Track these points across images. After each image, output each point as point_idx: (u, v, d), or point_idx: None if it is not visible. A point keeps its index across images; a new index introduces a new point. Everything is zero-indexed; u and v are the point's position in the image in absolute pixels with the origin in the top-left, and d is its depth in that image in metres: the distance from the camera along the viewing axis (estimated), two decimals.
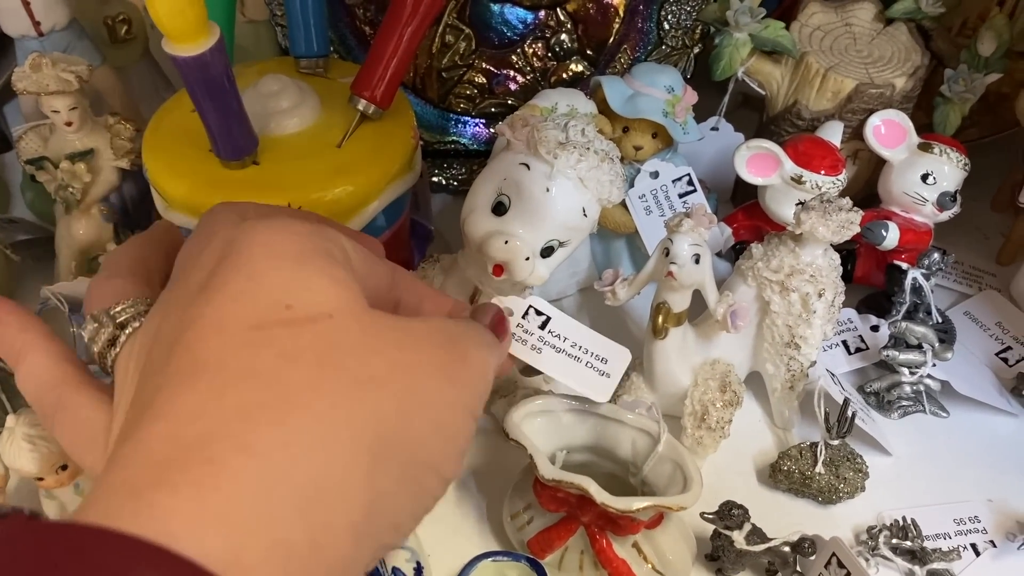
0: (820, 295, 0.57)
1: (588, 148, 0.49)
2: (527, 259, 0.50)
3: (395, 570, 0.49)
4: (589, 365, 0.53)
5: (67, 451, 0.30)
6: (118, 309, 0.31)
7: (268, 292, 0.26)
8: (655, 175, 0.68)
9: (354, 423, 0.24)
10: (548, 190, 0.50)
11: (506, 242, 0.50)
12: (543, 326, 0.54)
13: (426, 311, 0.34)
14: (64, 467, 0.50)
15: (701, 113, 0.77)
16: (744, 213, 0.73)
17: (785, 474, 0.57)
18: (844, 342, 0.67)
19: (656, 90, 0.65)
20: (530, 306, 0.53)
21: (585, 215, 0.51)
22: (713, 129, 0.77)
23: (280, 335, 0.25)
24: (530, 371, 0.57)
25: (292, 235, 0.27)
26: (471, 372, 0.29)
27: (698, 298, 0.57)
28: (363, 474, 0.24)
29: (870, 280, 0.72)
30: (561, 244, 0.52)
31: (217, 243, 0.28)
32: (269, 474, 0.22)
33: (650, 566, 0.49)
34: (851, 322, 0.69)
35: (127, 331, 0.30)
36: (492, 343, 0.33)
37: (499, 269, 0.51)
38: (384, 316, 0.28)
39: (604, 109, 0.66)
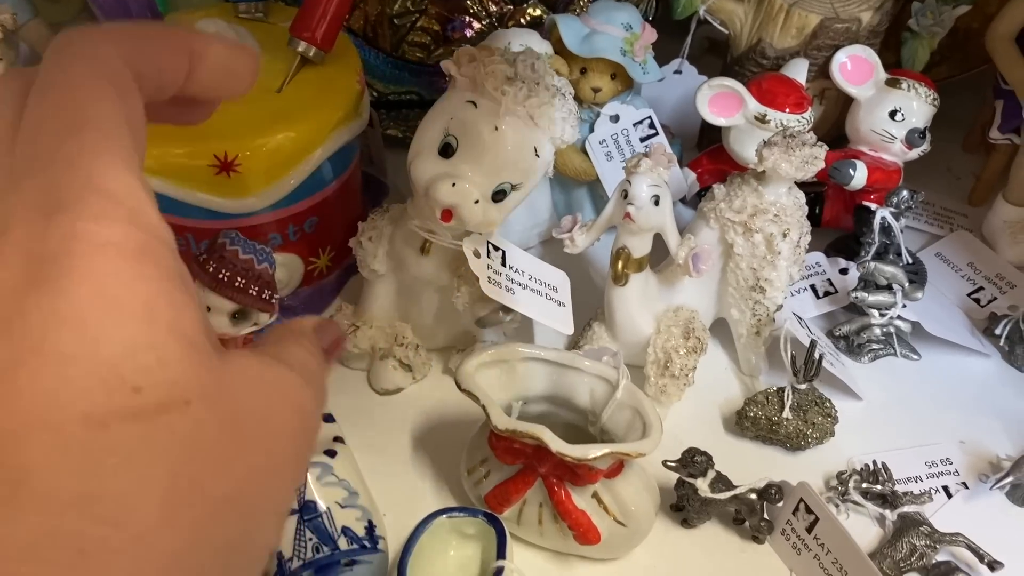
0: (785, 235, 0.55)
1: (538, 83, 0.47)
2: (476, 202, 0.48)
3: (345, 529, 0.47)
4: (549, 298, 0.53)
5: None
6: None
7: (109, 363, 0.20)
8: (615, 119, 0.66)
9: (204, 555, 0.21)
10: (496, 128, 0.47)
11: (453, 184, 0.47)
12: (503, 262, 0.53)
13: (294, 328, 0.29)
14: None
15: (665, 57, 0.74)
16: (708, 157, 0.71)
17: (752, 420, 0.55)
18: (812, 286, 0.66)
19: (613, 27, 0.62)
20: (488, 242, 0.51)
21: (537, 155, 0.49)
22: (676, 72, 0.75)
23: (127, 436, 0.20)
24: (485, 321, 0.55)
25: (136, 263, 0.21)
26: (310, 443, 0.25)
27: (661, 244, 0.55)
28: None
29: (839, 223, 0.70)
30: (514, 187, 0.50)
31: (17, 238, 0.20)
32: None
33: (611, 517, 0.47)
34: (819, 266, 0.67)
35: None
36: (320, 387, 0.27)
37: (447, 214, 0.48)
38: (234, 391, 0.22)
39: (561, 50, 0.63)
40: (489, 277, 0.51)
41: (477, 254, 0.51)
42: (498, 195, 0.49)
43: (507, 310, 0.55)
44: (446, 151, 0.49)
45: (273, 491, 0.23)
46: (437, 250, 0.54)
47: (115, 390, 0.20)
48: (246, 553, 0.22)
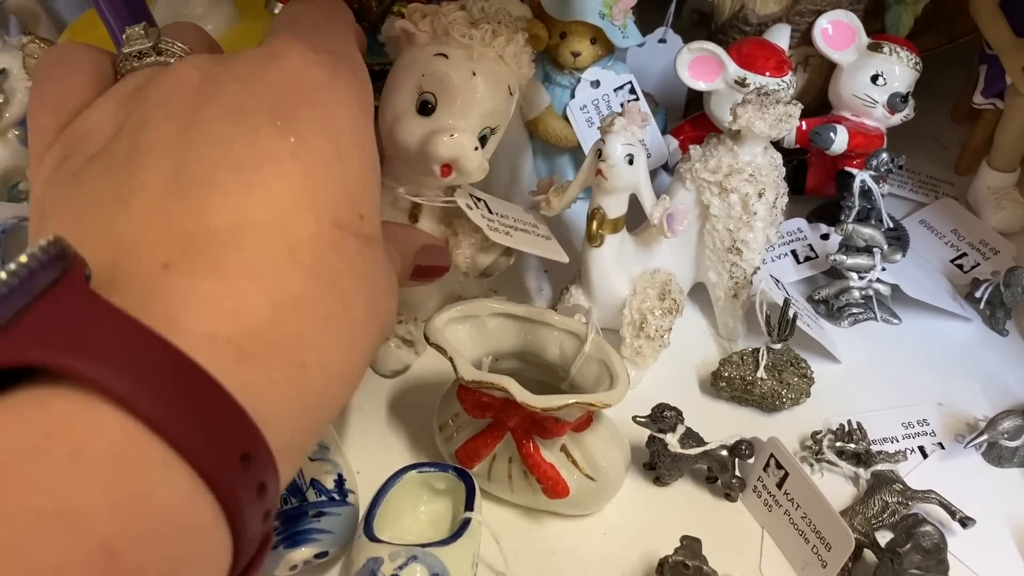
0: (760, 195, 0.55)
1: (500, 22, 0.47)
2: (476, 149, 0.48)
3: (314, 481, 0.47)
4: (537, 234, 0.55)
5: (32, 103, 0.29)
6: (169, 37, 0.30)
7: (352, 188, 0.27)
8: (596, 84, 0.66)
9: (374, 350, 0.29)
10: (474, 74, 0.48)
11: (452, 136, 0.47)
12: (490, 210, 0.53)
13: (401, 237, 0.37)
14: None
15: (650, 27, 0.74)
16: (691, 125, 0.71)
17: (727, 381, 0.55)
18: (793, 251, 0.65)
19: None
20: (470, 195, 0.52)
21: (511, 93, 0.50)
22: (661, 41, 0.75)
23: (352, 246, 0.27)
24: (491, 269, 0.56)
25: (369, 130, 0.28)
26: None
27: (639, 209, 0.55)
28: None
29: (822, 191, 0.70)
30: (492, 131, 0.51)
31: (291, 65, 0.27)
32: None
33: (580, 471, 0.47)
34: (800, 231, 0.66)
35: (159, 59, 0.29)
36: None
37: (447, 169, 0.48)
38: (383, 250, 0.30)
39: (539, 13, 0.63)
40: (488, 224, 0.52)
41: (469, 207, 0.52)
42: (481, 140, 0.49)
43: (508, 253, 0.56)
44: (425, 108, 0.49)
45: (386, 331, 0.30)
46: (426, 213, 0.54)
47: (352, 209, 0.26)
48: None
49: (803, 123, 0.65)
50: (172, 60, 0.29)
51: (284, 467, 0.23)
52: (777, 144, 0.57)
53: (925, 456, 0.54)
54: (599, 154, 0.52)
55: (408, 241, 0.38)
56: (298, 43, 0.27)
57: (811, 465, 0.53)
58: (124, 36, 0.29)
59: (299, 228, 0.24)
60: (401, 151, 0.50)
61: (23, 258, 0.19)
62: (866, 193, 0.60)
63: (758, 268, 0.58)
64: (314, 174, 0.25)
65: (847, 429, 0.54)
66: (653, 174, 0.71)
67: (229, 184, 0.24)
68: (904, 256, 0.61)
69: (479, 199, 0.54)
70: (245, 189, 0.24)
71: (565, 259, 0.55)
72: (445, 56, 0.48)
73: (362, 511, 0.48)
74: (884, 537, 0.47)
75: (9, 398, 0.19)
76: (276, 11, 0.56)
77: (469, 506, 0.47)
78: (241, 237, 0.23)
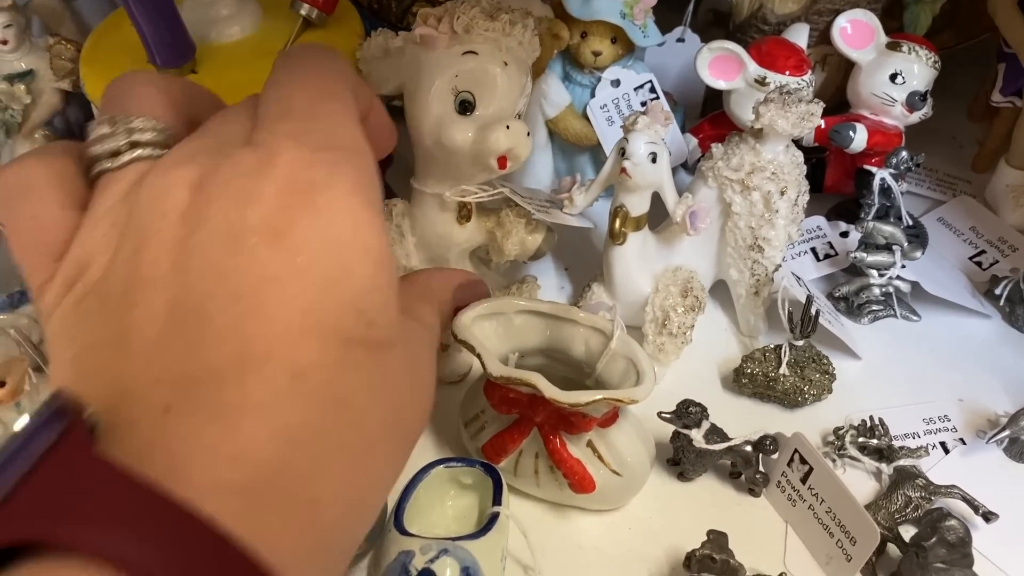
0: (782, 193, 0.55)
1: (512, 11, 0.49)
2: (528, 135, 0.49)
3: None
4: (559, 209, 0.57)
5: (12, 243, 0.26)
6: (139, 124, 0.26)
7: (359, 294, 0.24)
8: (616, 83, 0.66)
9: (397, 470, 0.27)
10: (506, 64, 0.49)
11: (508, 127, 0.48)
12: (521, 195, 0.55)
13: (434, 286, 0.36)
14: (2, 384, 0.49)
15: (668, 26, 0.75)
16: (710, 123, 0.71)
17: (749, 377, 0.56)
18: (813, 249, 0.66)
19: None
20: (504, 185, 0.53)
21: (527, 77, 0.52)
22: (679, 40, 0.75)
23: (364, 360, 0.24)
24: (541, 250, 0.58)
25: (376, 213, 0.25)
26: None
27: (661, 206, 0.55)
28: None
29: (841, 189, 0.70)
30: (519, 116, 0.52)
31: (283, 171, 0.24)
32: None
33: (606, 466, 0.48)
34: (820, 229, 0.67)
35: (135, 153, 0.26)
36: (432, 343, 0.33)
37: (504, 160, 0.49)
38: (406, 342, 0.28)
39: (561, 13, 0.63)
40: (532, 206, 0.53)
41: (514, 193, 0.53)
42: None
43: (551, 231, 0.57)
44: (465, 107, 0.49)
45: (417, 431, 0.29)
46: (476, 211, 0.55)
47: (359, 319, 0.24)
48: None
49: (822, 121, 0.65)
50: (149, 150, 0.26)
51: None
52: (796, 142, 0.57)
53: (947, 452, 0.54)
54: (622, 152, 0.53)
55: (443, 287, 0.37)
56: (289, 143, 0.24)
57: (833, 460, 0.54)
58: (87, 134, 0.26)
59: (302, 355, 0.23)
60: (453, 154, 0.50)
61: (23, 423, 0.19)
62: (886, 191, 0.60)
63: (779, 265, 0.58)
64: (315, 292, 0.23)
65: (869, 425, 0.54)
66: (672, 172, 0.72)
67: (226, 316, 0.22)
68: (923, 253, 0.61)
69: (514, 191, 0.55)
70: (242, 320, 0.22)
71: (591, 225, 0.58)
72: (475, 53, 0.48)
73: (391, 505, 0.48)
74: (907, 532, 0.48)
75: (14, 571, 0.18)
76: (302, 11, 0.57)
77: (496, 501, 0.47)
78: (241, 372, 0.22)
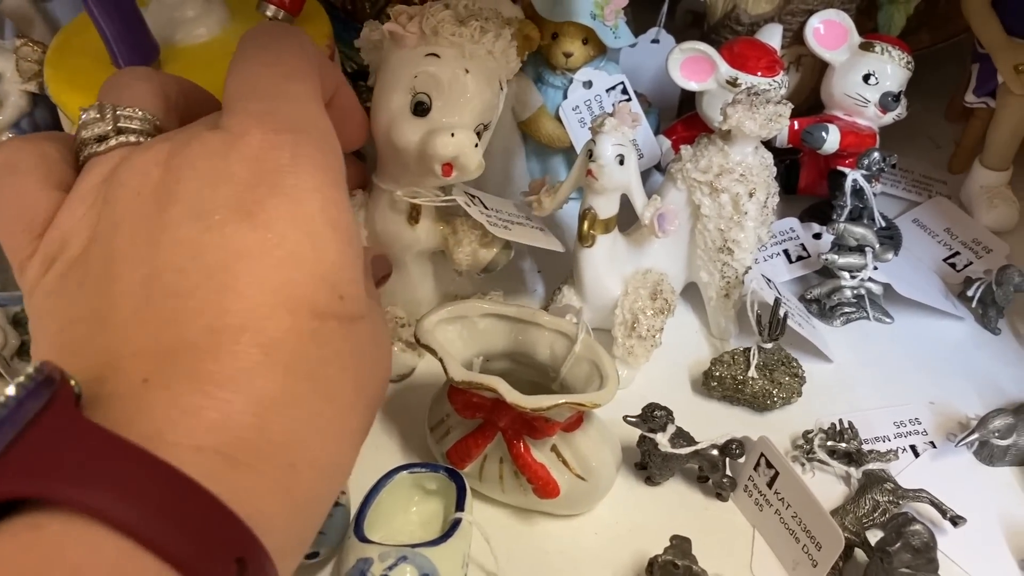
0: (751, 195, 0.55)
1: (487, 19, 0.48)
2: (475, 146, 0.48)
3: None
4: (532, 227, 0.56)
5: None
6: (127, 112, 0.28)
7: (330, 269, 0.25)
8: (588, 85, 0.66)
9: (363, 436, 0.27)
10: (467, 71, 0.48)
11: (451, 135, 0.47)
12: (486, 206, 0.54)
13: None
14: None
15: (643, 27, 0.74)
16: (683, 125, 0.71)
17: (718, 380, 0.55)
18: (785, 251, 0.66)
19: None
20: (470, 194, 0.53)
21: (500, 88, 0.50)
22: (654, 42, 0.75)
23: (335, 333, 0.25)
24: (493, 264, 0.56)
25: (343, 192, 0.26)
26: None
27: (631, 208, 0.55)
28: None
29: (815, 191, 0.70)
30: (485, 127, 0.51)
31: (251, 152, 0.25)
32: None
33: (571, 471, 0.47)
34: (793, 231, 0.67)
35: (120, 139, 0.27)
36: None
37: (448, 168, 0.48)
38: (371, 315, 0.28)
39: (531, 14, 0.63)
40: (487, 219, 0.52)
41: (468, 204, 0.52)
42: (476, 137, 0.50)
43: (508, 247, 0.56)
44: (420, 109, 0.49)
45: (380, 397, 0.29)
46: (426, 213, 0.54)
47: (331, 293, 0.25)
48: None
49: (795, 122, 0.65)
50: (135, 137, 0.28)
51: (283, 565, 0.23)
52: (769, 144, 0.57)
53: (917, 455, 0.54)
54: (590, 155, 0.52)
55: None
56: (256, 123, 0.26)
57: (802, 464, 0.53)
58: (79, 120, 0.28)
59: (274, 327, 0.24)
60: (400, 153, 0.50)
61: (11, 390, 0.20)
62: (858, 192, 0.60)
63: (749, 268, 0.58)
64: (286, 266, 0.24)
65: (838, 428, 0.54)
66: (646, 174, 0.72)
67: (201, 290, 0.23)
68: (896, 255, 0.61)
69: (474, 196, 0.54)
70: (217, 294, 0.23)
71: (561, 248, 0.57)
72: (437, 56, 0.48)
73: (353, 511, 0.48)
74: (875, 536, 0.47)
75: (5, 525, 0.19)
76: (268, 12, 0.56)
77: (460, 506, 0.47)
78: (216, 345, 0.23)
